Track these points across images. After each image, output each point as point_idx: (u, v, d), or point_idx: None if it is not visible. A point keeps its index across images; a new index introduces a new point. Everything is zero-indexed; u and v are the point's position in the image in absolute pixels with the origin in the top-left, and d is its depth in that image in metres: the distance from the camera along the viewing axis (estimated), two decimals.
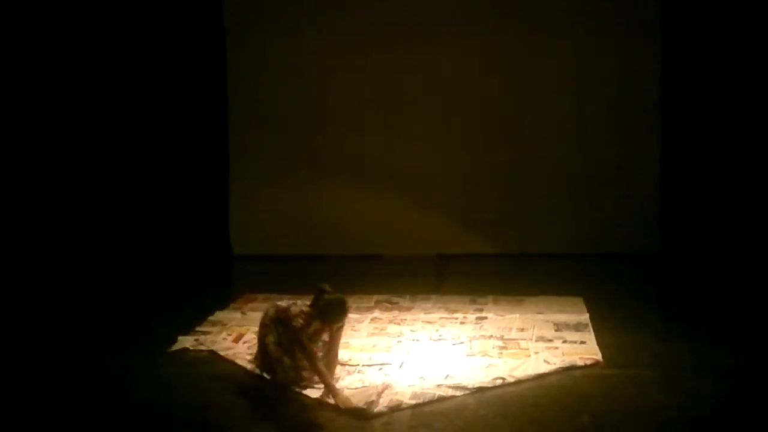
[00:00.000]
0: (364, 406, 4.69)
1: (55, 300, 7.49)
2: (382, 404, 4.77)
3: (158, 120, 9.25)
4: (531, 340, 5.98)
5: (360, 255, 8.96)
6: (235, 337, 6.12)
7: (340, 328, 5.16)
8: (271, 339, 5.11)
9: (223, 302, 7.12)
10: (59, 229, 9.08)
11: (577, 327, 6.27)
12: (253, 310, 6.92)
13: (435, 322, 6.49)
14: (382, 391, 4.90)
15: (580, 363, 5.45)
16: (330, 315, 4.98)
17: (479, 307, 6.92)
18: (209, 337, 6.14)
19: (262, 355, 5.19)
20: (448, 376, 5.21)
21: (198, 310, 6.84)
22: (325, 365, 5.00)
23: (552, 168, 9.04)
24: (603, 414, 4.68)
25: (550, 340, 5.95)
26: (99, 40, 9.10)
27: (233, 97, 9.26)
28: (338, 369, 5.29)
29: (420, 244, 9.11)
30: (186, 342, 6.03)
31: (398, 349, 5.81)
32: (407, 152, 9.16)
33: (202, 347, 5.95)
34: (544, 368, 5.37)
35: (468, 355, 5.67)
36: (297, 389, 5.03)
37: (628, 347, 5.81)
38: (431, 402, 4.85)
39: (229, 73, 9.22)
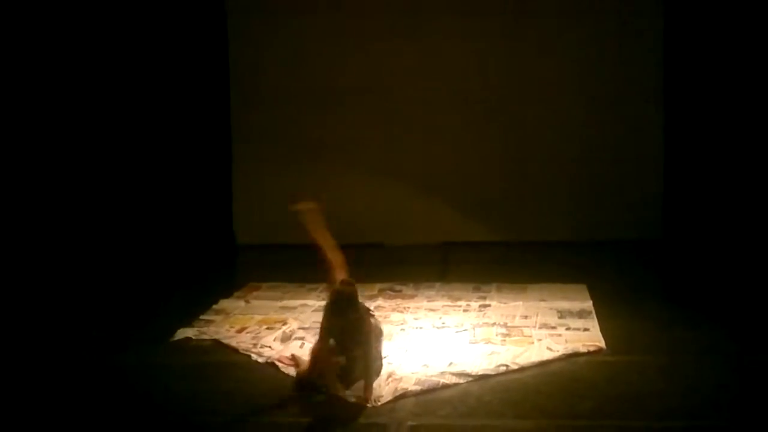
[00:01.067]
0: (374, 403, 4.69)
1: (57, 289, 7.51)
2: (386, 392, 4.77)
3: (159, 108, 9.24)
4: (534, 327, 5.98)
5: (363, 243, 8.95)
6: (239, 327, 6.12)
7: (354, 323, 4.79)
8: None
9: (227, 291, 7.13)
10: (61, 219, 9.10)
11: (581, 314, 6.27)
12: (257, 298, 6.97)
13: (438, 309, 6.49)
14: (386, 380, 4.90)
15: (583, 350, 5.45)
16: (334, 308, 4.81)
17: (483, 294, 6.92)
18: (212, 327, 6.15)
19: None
20: (451, 363, 5.20)
21: (201, 299, 6.85)
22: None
23: (555, 155, 9.03)
24: (606, 400, 4.68)
25: (554, 327, 5.95)
26: (97, 22, 9.09)
27: (236, 84, 9.25)
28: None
29: (423, 233, 9.11)
30: (189, 331, 6.04)
31: (401, 337, 5.81)
32: (410, 141, 9.15)
33: (205, 336, 5.96)
34: (548, 355, 5.37)
35: (471, 343, 5.66)
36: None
37: (632, 334, 5.81)
38: (435, 389, 4.86)
39: (231, 61, 9.21)
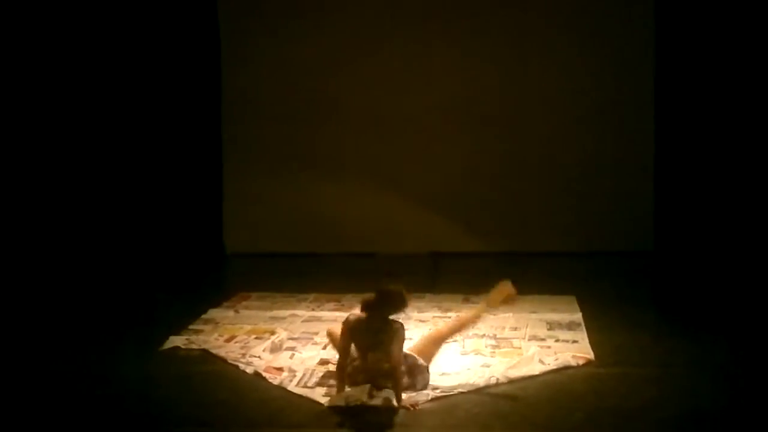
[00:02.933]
0: (356, 403, 4.69)
1: (46, 298, 7.47)
2: (376, 400, 4.75)
3: (150, 116, 9.24)
4: (524, 339, 5.98)
5: (354, 253, 8.95)
6: (228, 337, 6.10)
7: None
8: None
9: (216, 301, 7.10)
10: (50, 228, 9.07)
11: (570, 326, 6.27)
12: (247, 308, 6.94)
13: (428, 321, 6.47)
14: (371, 391, 4.88)
15: (573, 362, 5.44)
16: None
17: (472, 305, 6.89)
18: (201, 336, 6.12)
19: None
20: (442, 374, 5.19)
21: (191, 308, 6.82)
22: None
23: (546, 167, 9.06)
24: (596, 413, 4.67)
25: (543, 339, 5.94)
26: (91, 32, 9.08)
27: (227, 93, 9.26)
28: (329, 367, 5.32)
29: (414, 242, 9.10)
30: (178, 341, 6.01)
31: None
32: (402, 150, 9.17)
33: (194, 346, 5.92)
34: (539, 369, 5.34)
35: (461, 354, 5.65)
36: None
37: (621, 346, 5.80)
38: (425, 401, 4.83)
39: (223, 70, 9.21)
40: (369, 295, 4.90)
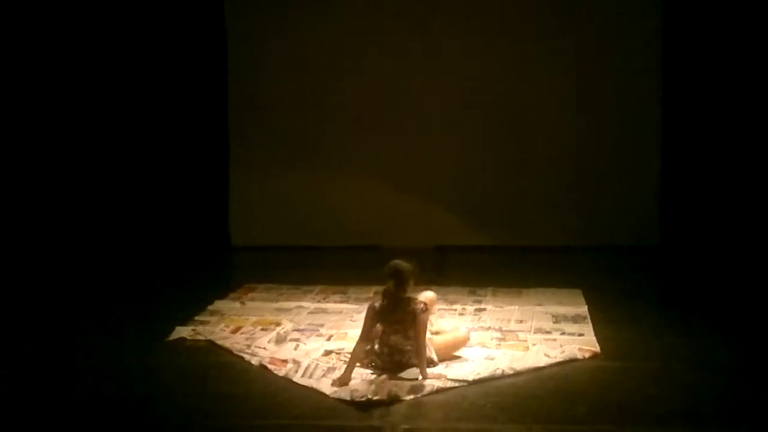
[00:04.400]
0: (361, 399, 4.70)
1: (53, 290, 7.50)
2: (381, 394, 4.77)
3: (157, 111, 9.25)
4: (529, 331, 5.98)
5: (359, 246, 8.96)
6: (234, 328, 6.12)
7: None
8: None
9: (222, 292, 7.12)
10: (58, 220, 9.09)
11: (576, 319, 6.27)
12: (253, 300, 6.96)
13: (434, 313, 6.46)
14: (381, 383, 4.90)
15: (580, 356, 5.44)
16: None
17: (478, 298, 6.92)
18: (207, 327, 6.14)
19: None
20: (446, 366, 5.20)
21: (196, 300, 6.84)
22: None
23: (552, 160, 9.04)
24: (600, 406, 4.68)
25: (549, 332, 5.95)
26: (98, 27, 9.10)
27: (233, 87, 9.25)
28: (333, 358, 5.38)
29: (419, 236, 9.10)
30: (184, 332, 6.03)
31: None
32: (407, 144, 9.16)
33: (200, 337, 5.95)
34: (544, 361, 5.35)
35: (466, 346, 5.65)
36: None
37: (626, 340, 5.81)
38: (429, 393, 4.85)
39: (230, 65, 9.21)
40: (388, 284, 5.12)
